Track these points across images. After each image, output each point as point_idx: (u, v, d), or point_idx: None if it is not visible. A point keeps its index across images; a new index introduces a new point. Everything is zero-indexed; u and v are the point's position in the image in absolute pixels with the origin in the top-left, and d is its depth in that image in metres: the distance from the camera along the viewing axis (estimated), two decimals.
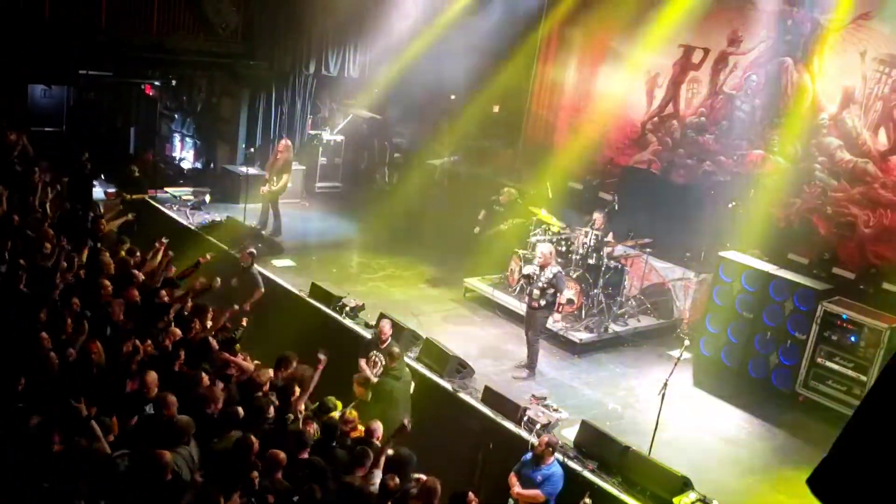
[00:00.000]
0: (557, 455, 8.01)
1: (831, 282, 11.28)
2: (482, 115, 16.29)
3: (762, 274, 11.19)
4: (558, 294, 10.49)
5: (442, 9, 15.57)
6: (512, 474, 7.98)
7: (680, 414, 9.77)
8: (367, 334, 10.65)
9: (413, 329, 10.67)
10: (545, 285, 10.49)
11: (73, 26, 13.89)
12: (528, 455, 7.99)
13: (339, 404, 8.57)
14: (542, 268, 10.59)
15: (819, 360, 10.57)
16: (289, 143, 14.86)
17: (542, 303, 10.52)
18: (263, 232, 14.09)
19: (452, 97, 16.71)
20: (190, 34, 15.35)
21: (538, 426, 8.66)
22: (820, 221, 12.25)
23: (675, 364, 8.76)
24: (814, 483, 1.83)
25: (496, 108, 16.69)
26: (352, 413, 8.29)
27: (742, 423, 10.22)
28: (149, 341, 8.26)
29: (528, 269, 11.04)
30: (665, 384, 8.42)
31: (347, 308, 11.17)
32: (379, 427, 7.82)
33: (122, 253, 10.58)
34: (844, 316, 10.41)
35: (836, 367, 10.43)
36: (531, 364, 10.67)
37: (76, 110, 17.61)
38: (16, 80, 14.65)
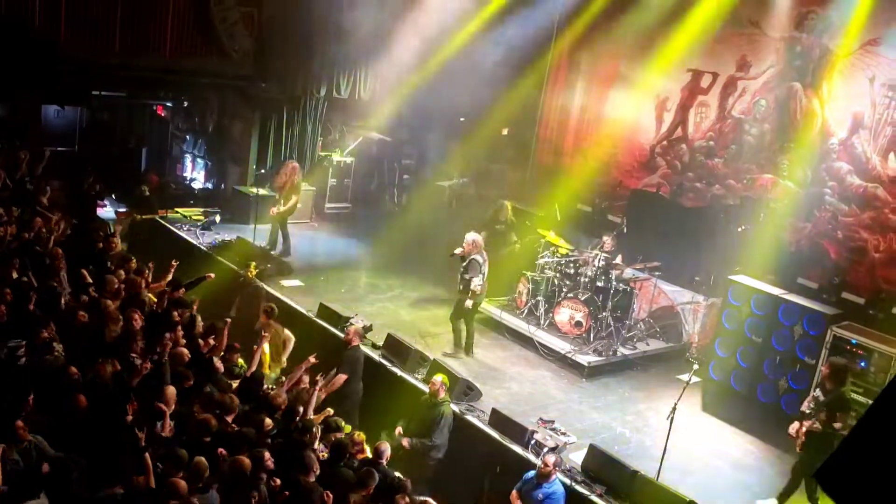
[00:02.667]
0: (561, 476, 7.98)
1: (841, 306, 11.24)
2: (491, 137, 16.35)
3: (771, 298, 11.15)
4: (473, 279, 11.06)
5: (452, 32, 15.67)
6: (514, 493, 7.94)
7: (689, 438, 9.72)
8: (375, 355, 10.66)
9: (420, 350, 10.66)
10: (462, 270, 11.28)
11: (87, 47, 14.03)
12: (530, 474, 7.97)
13: (348, 427, 8.55)
14: (466, 256, 11.25)
15: None
16: (296, 165, 14.94)
17: (461, 287, 11.30)
18: (273, 252, 14.14)
19: (462, 120, 16.80)
20: (202, 56, 15.47)
21: (546, 450, 8.62)
22: (830, 246, 12.23)
23: (684, 388, 8.72)
24: (822, 476, 1.85)
25: (505, 131, 16.76)
26: (360, 435, 8.28)
27: (751, 447, 10.15)
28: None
29: (458, 250, 11.50)
30: (674, 408, 8.38)
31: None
32: (387, 449, 7.80)
33: (131, 272, 10.64)
34: (854, 341, 10.35)
35: None
36: (456, 343, 11.44)
37: (89, 130, 17.77)
38: (30, 100, 14.79)
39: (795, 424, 8.61)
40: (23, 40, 13.25)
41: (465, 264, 11.29)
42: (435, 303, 13.39)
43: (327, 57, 16.18)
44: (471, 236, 11.42)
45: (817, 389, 8.69)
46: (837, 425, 8.11)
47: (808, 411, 8.53)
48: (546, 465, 7.79)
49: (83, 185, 14.31)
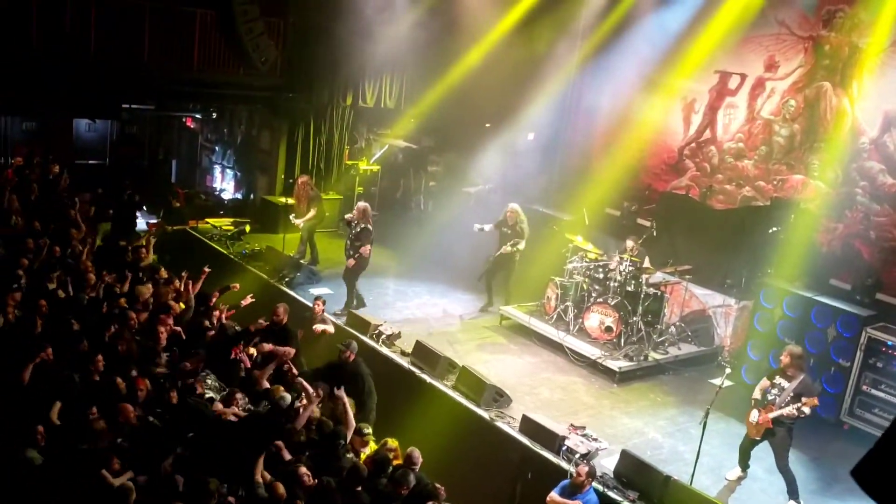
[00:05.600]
0: (595, 484, 7.92)
1: (875, 308, 11.08)
2: (517, 142, 16.33)
3: (804, 300, 11.03)
4: (364, 246, 12.11)
5: (477, 38, 15.69)
6: (554, 494, 7.85)
7: (721, 442, 9.63)
8: (404, 362, 10.69)
9: (449, 357, 10.66)
10: (353, 237, 12.23)
11: (116, 61, 14.21)
12: (566, 482, 7.90)
13: (372, 437, 8.58)
14: (353, 223, 12.26)
15: (864, 387, 10.38)
16: (305, 178, 15.07)
17: (351, 252, 12.21)
18: (302, 261, 14.24)
19: (487, 126, 16.80)
20: (230, 68, 15.61)
21: (577, 455, 8.58)
22: (863, 246, 12.06)
23: (717, 392, 8.65)
24: (858, 473, 1.83)
25: (531, 136, 16.73)
26: (393, 442, 8.30)
27: None
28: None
29: (347, 216, 12.59)
30: (706, 413, 8.32)
31: (384, 336, 11.22)
32: (419, 456, 7.80)
33: (161, 283, 10.77)
34: (890, 343, 10.21)
35: (881, 394, 10.23)
36: (347, 304, 12.37)
37: (119, 143, 18.02)
38: (62, 115, 15.00)
39: (756, 412, 8.67)
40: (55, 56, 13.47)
41: (356, 231, 12.17)
42: (463, 309, 13.39)
43: (353, 66, 16.28)
44: (361, 204, 12.48)
45: (777, 377, 8.73)
46: (806, 410, 8.29)
47: (771, 397, 8.63)
48: (579, 474, 7.71)
49: (122, 195, 14.47)
